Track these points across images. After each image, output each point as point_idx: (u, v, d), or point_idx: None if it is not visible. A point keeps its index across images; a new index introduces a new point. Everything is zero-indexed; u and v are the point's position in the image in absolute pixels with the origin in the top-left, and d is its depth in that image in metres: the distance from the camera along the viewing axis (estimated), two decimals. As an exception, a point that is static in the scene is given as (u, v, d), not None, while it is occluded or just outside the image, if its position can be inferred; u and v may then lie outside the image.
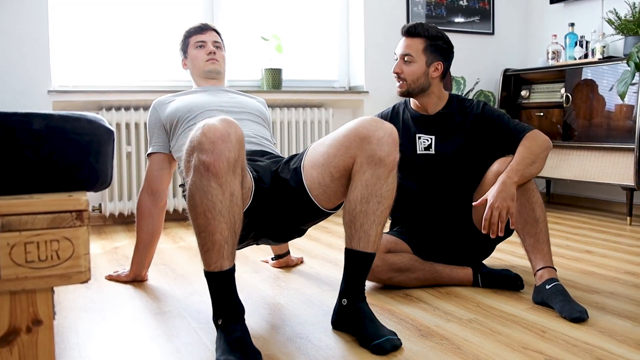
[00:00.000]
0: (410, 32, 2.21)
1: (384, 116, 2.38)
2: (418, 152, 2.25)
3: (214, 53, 2.29)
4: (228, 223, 1.48)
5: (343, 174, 1.70)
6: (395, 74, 2.23)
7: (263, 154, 2.00)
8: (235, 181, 1.50)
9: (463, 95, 4.09)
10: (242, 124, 2.03)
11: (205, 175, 1.45)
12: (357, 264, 1.69)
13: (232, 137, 1.47)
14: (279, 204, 1.81)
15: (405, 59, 2.20)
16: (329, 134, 1.80)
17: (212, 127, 1.46)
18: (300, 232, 2.00)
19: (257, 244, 2.04)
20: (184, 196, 1.85)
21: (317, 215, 1.84)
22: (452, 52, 2.27)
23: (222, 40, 2.38)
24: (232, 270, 1.53)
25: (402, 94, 2.26)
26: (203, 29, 2.33)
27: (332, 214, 1.85)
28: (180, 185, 2.01)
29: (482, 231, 1.96)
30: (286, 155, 2.06)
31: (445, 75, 2.27)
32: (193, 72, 2.34)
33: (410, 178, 2.28)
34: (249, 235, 1.87)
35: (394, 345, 1.57)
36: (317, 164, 1.75)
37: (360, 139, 1.65)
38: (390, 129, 1.67)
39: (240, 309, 1.55)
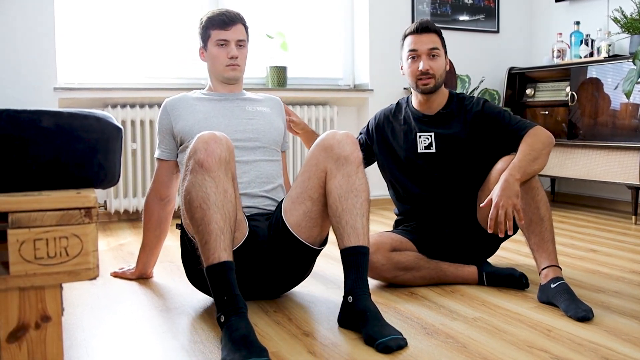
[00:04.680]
0: (428, 27, 2.21)
1: (386, 112, 2.38)
2: (419, 151, 2.25)
3: (236, 57, 2.11)
4: (223, 215, 1.59)
5: (321, 193, 1.82)
6: (422, 73, 2.17)
7: (263, 215, 2.02)
8: (228, 180, 1.63)
9: (468, 93, 4.09)
10: (256, 168, 2.06)
11: (199, 171, 1.60)
12: (353, 259, 1.72)
13: (224, 142, 1.66)
14: (272, 261, 1.90)
15: (433, 54, 2.19)
16: (332, 128, 1.89)
17: (205, 133, 1.67)
18: (295, 284, 2.09)
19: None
20: (183, 239, 1.93)
21: (308, 255, 1.93)
22: None
23: (247, 32, 2.19)
24: (231, 263, 1.57)
25: (429, 91, 2.21)
26: (227, 23, 2.11)
27: (320, 250, 1.96)
28: (177, 226, 2.01)
29: (489, 230, 1.95)
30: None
31: None
32: (211, 71, 2.18)
33: (412, 178, 2.28)
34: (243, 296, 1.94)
35: (399, 344, 1.57)
36: (295, 196, 1.88)
37: (324, 149, 1.81)
38: (346, 133, 1.83)
39: (241, 303, 1.55)
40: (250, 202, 2.01)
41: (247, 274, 1.86)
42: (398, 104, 2.38)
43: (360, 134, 2.46)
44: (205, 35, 2.15)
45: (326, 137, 1.83)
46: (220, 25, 2.11)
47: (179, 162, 2.16)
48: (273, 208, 2.04)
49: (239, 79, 2.19)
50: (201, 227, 1.58)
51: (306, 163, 1.86)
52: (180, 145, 2.12)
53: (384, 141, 2.34)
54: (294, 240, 1.86)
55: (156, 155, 2.21)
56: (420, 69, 2.18)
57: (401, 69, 2.29)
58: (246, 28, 2.19)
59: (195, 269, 1.84)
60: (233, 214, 1.63)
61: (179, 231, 1.98)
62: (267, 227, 1.93)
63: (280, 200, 2.05)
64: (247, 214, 1.95)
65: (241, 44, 2.14)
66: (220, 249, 1.56)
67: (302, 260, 1.95)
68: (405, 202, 2.33)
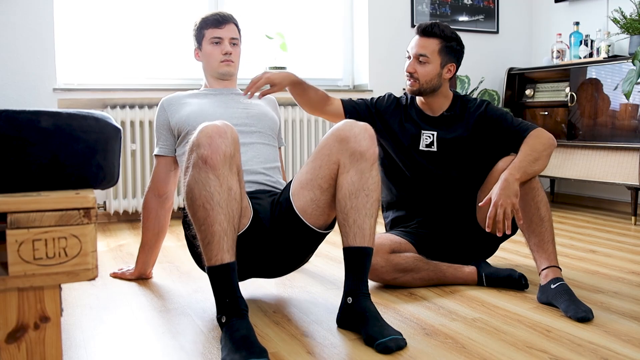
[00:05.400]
0: (426, 31, 2.19)
1: (399, 100, 2.33)
2: (420, 148, 2.25)
3: (230, 53, 2.19)
4: (227, 215, 1.54)
5: (331, 184, 1.77)
6: (408, 73, 2.21)
7: (265, 191, 2.01)
8: (232, 177, 1.57)
9: (467, 94, 4.09)
10: (253, 149, 2.07)
11: (203, 168, 1.53)
12: (356, 260, 1.71)
13: (229, 135, 1.57)
14: (277, 239, 1.86)
15: (420, 60, 2.18)
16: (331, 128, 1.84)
17: (209, 125, 1.58)
18: (300, 261, 2.04)
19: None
20: (184, 220, 1.89)
21: (313, 238, 1.89)
22: (463, 53, 2.27)
23: (239, 32, 2.26)
24: (233, 265, 1.55)
25: (413, 93, 2.24)
26: (220, 22, 2.19)
27: (326, 234, 1.91)
28: (180, 209, 2.01)
29: (487, 229, 1.95)
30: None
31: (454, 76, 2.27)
32: (206, 69, 2.24)
33: (412, 175, 2.28)
34: (248, 276, 1.92)
35: (399, 345, 1.57)
36: (305, 182, 1.82)
37: (339, 141, 1.73)
38: (364, 125, 1.74)
39: (242, 305, 1.55)
40: (251, 177, 2.00)
41: (250, 254, 1.82)
42: (407, 97, 2.35)
43: (364, 99, 2.35)
44: (199, 36, 2.22)
45: (343, 127, 1.75)
46: (214, 24, 2.19)
47: (177, 155, 2.18)
48: (274, 184, 2.06)
49: (234, 74, 2.25)
50: (204, 227, 1.54)
51: (319, 150, 1.79)
52: (178, 138, 2.15)
53: (389, 124, 2.30)
54: (299, 222, 1.82)
55: (155, 152, 2.25)
56: (405, 69, 2.21)
57: None
58: (239, 29, 2.25)
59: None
60: (237, 211, 1.58)
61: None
62: (269, 205, 1.89)
63: (280, 181, 2.08)
64: (248, 190, 1.92)
65: (234, 42, 2.21)
66: (223, 251, 1.53)
67: (307, 242, 1.91)
68: (402, 195, 2.33)
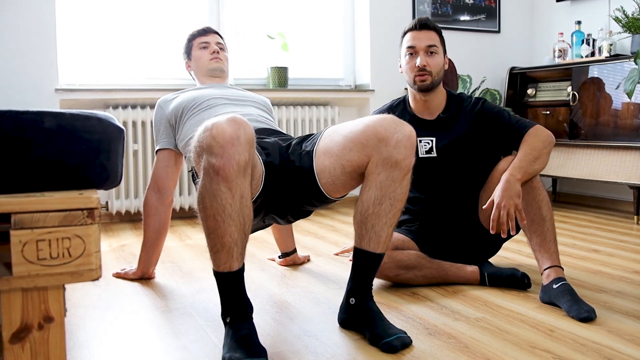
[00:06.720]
0: (427, 25, 2.20)
1: (383, 112, 2.32)
2: (419, 156, 2.23)
3: (218, 52, 2.36)
4: (238, 225, 1.48)
5: (355, 169, 1.69)
6: (420, 68, 2.15)
7: (271, 132, 2.00)
8: (245, 182, 1.49)
9: (469, 93, 4.09)
10: (247, 110, 2.13)
11: (215, 179, 1.44)
12: (366, 264, 1.70)
13: (242, 140, 1.45)
14: (287, 184, 1.80)
15: (431, 51, 2.17)
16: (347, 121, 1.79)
17: (220, 130, 1.43)
18: (306, 214, 1.99)
19: (264, 223, 2.05)
20: (194, 181, 1.88)
21: (322, 200, 1.83)
22: None
23: (224, 43, 2.45)
24: (242, 270, 1.54)
25: (426, 88, 2.18)
26: (206, 31, 2.42)
27: (337, 201, 1.85)
28: (189, 171, 2.05)
29: (491, 231, 1.95)
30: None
31: None
32: (197, 72, 2.38)
33: (413, 184, 2.27)
34: (259, 213, 1.86)
35: (404, 342, 1.58)
36: (331, 152, 1.73)
37: (378, 139, 1.64)
38: (409, 132, 1.65)
39: (248, 308, 1.55)
40: (250, 117, 2.03)
41: (261, 197, 1.77)
42: (395, 104, 2.34)
43: None
44: (189, 47, 2.42)
45: (387, 126, 1.65)
46: (201, 33, 2.41)
47: (178, 142, 2.21)
48: (276, 127, 2.11)
49: (224, 71, 2.38)
50: (213, 235, 1.49)
51: (355, 134, 1.69)
52: (177, 123, 2.21)
53: None
54: (313, 182, 1.75)
55: (156, 148, 2.30)
56: (417, 64, 2.16)
57: (400, 67, 2.28)
58: (223, 41, 2.45)
59: None
60: (249, 216, 1.52)
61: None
62: (279, 147, 1.84)
63: (276, 129, 2.11)
64: (256, 128, 1.85)
65: (220, 47, 2.39)
66: (232, 259, 1.50)
67: (316, 200, 1.83)
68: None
